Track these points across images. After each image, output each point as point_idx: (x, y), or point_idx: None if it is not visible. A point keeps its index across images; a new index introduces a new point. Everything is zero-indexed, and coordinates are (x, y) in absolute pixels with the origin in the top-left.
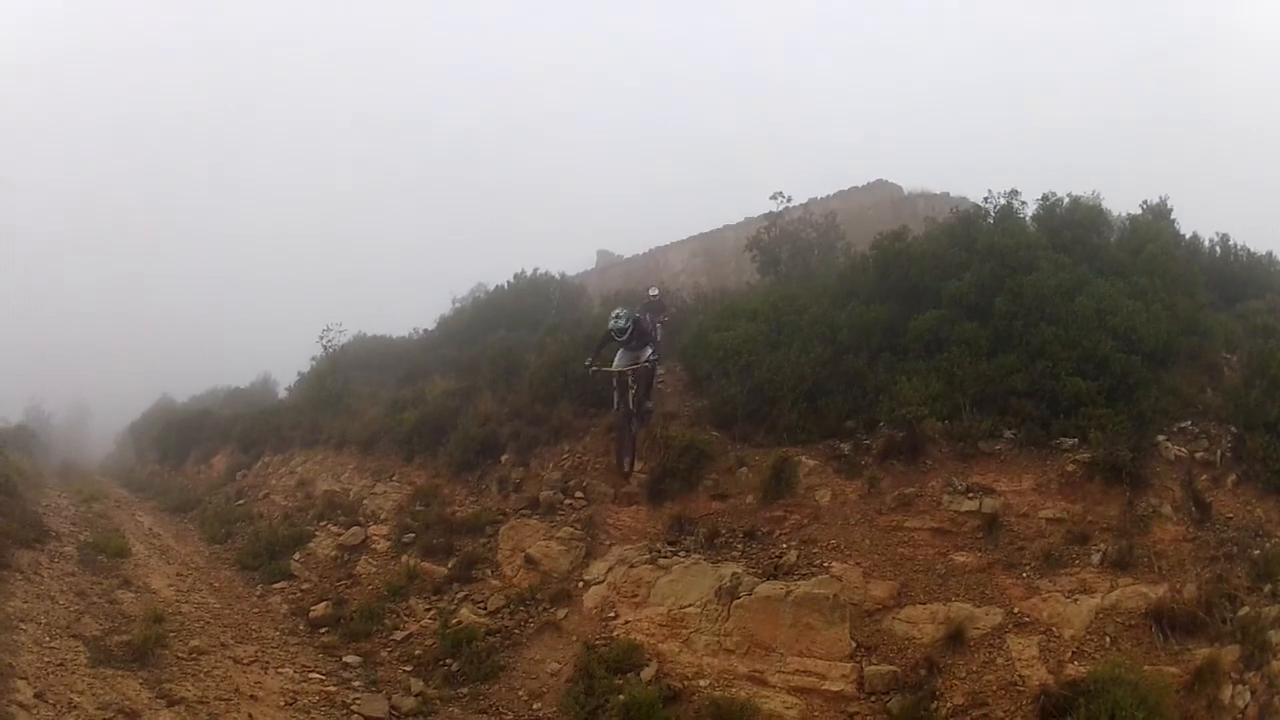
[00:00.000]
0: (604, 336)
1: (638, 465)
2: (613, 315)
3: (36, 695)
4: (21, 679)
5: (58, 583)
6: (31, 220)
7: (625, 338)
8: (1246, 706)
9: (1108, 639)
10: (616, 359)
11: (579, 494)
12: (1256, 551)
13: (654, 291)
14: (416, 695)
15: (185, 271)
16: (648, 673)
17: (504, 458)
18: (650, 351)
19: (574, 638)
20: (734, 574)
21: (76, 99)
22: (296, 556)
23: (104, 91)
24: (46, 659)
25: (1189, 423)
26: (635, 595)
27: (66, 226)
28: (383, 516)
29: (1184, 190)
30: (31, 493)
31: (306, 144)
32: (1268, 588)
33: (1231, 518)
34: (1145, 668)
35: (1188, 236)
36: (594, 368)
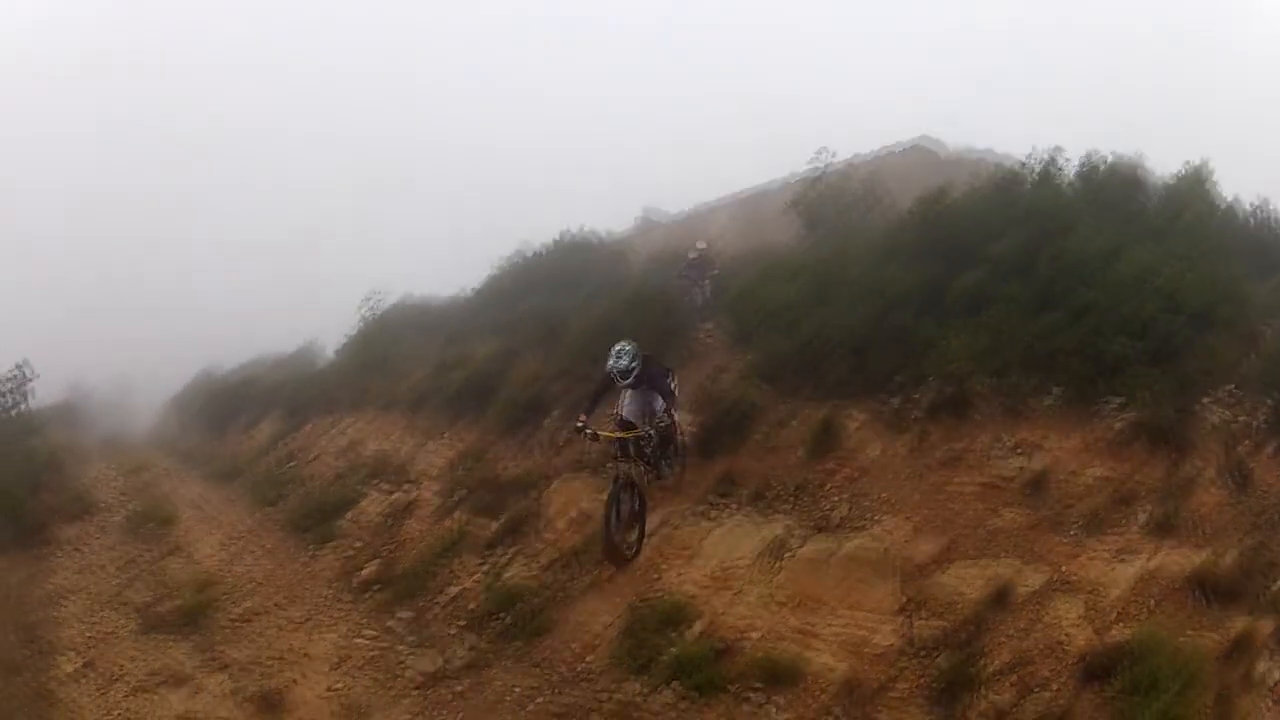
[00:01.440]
0: (603, 380)
1: (686, 422)
2: (614, 353)
3: (84, 666)
4: (69, 651)
5: (105, 554)
6: (65, 180)
7: (630, 380)
8: (1277, 684)
9: (1150, 603)
10: (622, 406)
11: None
12: None
13: (701, 245)
14: (469, 649)
15: (224, 235)
16: (697, 627)
17: (553, 415)
18: (662, 403)
19: (623, 593)
20: (784, 528)
21: (105, 51)
22: (347, 517)
23: (137, 41)
24: (94, 630)
25: (1231, 387)
26: (684, 550)
27: (102, 187)
28: (432, 475)
29: (1226, 156)
30: (76, 467)
31: (339, 93)
32: None
33: (1271, 486)
34: (1186, 634)
35: (1226, 202)
36: (586, 431)
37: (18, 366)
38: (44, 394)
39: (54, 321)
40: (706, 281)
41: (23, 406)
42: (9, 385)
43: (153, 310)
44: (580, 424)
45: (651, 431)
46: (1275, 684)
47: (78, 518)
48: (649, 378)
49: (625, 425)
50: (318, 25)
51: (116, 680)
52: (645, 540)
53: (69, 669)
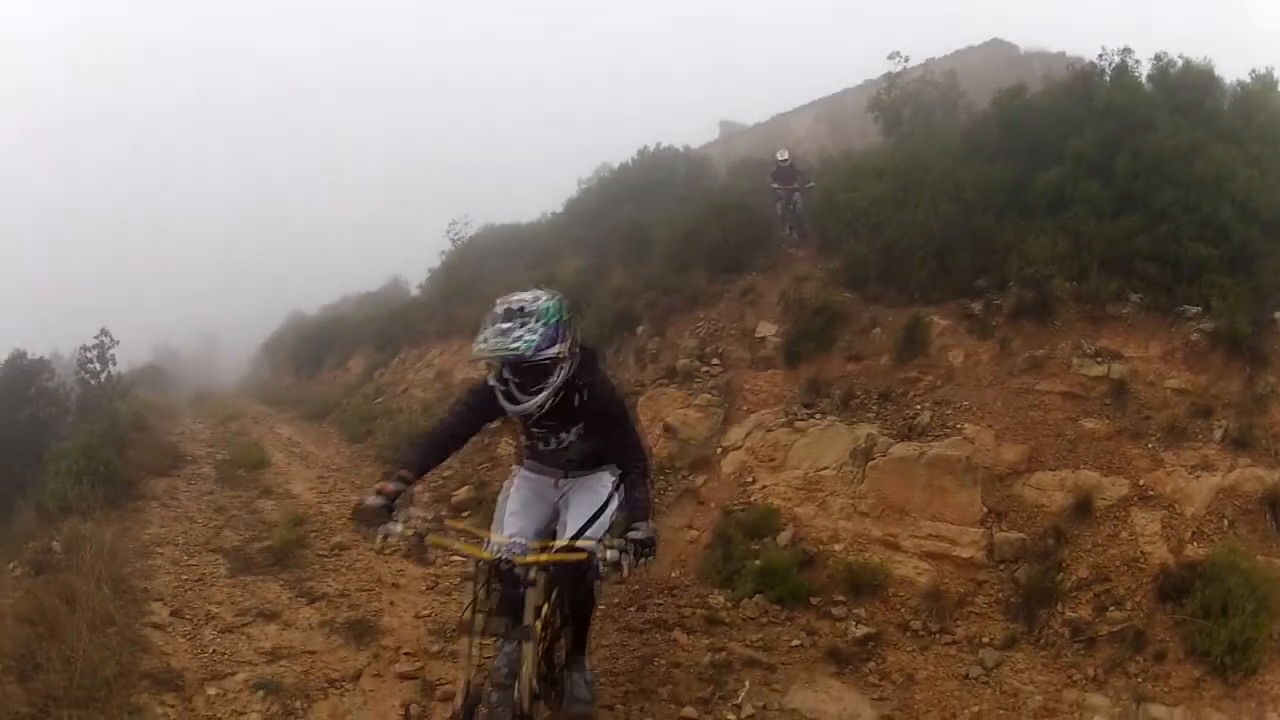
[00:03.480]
0: (466, 398)
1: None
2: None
3: (173, 614)
4: (157, 601)
5: (195, 503)
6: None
7: (542, 395)
8: None
9: (1226, 521)
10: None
11: (715, 360)
12: None
13: (782, 155)
14: None
15: (305, 175)
16: (784, 537)
17: (639, 329)
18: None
19: (712, 504)
20: (869, 435)
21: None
22: None
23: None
24: (184, 577)
25: None
26: (772, 459)
27: (178, 148)
28: None
29: None
30: (165, 425)
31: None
32: None
33: None
34: (1259, 557)
35: None
36: (391, 528)
37: (99, 335)
38: (130, 358)
39: (134, 284)
40: (797, 193)
41: (107, 373)
42: (93, 354)
43: (236, 263)
44: (380, 502)
45: (607, 551)
46: None
47: (167, 472)
48: (592, 400)
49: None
50: None
51: (207, 622)
52: (741, 443)
53: (161, 616)
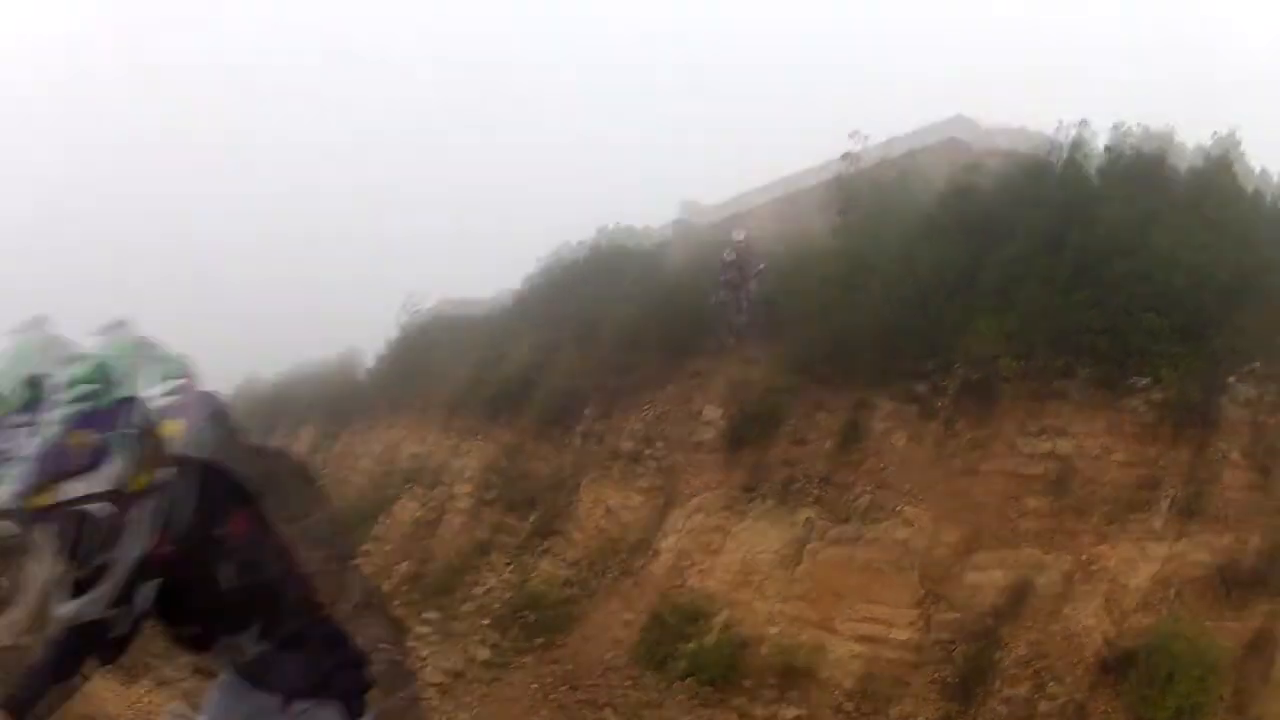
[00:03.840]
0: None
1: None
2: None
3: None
4: None
5: None
6: (103, 190)
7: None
8: None
9: (1172, 591)
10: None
11: (659, 444)
12: None
13: (739, 236)
14: (491, 647)
15: (262, 237)
16: (718, 621)
17: (586, 412)
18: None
19: (649, 588)
20: (807, 520)
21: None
22: (381, 520)
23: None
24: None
25: (1259, 364)
26: (710, 544)
27: (129, 195)
28: (467, 476)
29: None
30: None
31: (368, 100)
32: None
33: None
34: (1206, 623)
35: (1256, 172)
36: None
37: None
38: None
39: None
40: (751, 283)
41: None
42: None
43: (194, 320)
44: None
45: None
46: None
47: None
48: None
49: None
50: (328, 26)
51: (141, 677)
52: (681, 527)
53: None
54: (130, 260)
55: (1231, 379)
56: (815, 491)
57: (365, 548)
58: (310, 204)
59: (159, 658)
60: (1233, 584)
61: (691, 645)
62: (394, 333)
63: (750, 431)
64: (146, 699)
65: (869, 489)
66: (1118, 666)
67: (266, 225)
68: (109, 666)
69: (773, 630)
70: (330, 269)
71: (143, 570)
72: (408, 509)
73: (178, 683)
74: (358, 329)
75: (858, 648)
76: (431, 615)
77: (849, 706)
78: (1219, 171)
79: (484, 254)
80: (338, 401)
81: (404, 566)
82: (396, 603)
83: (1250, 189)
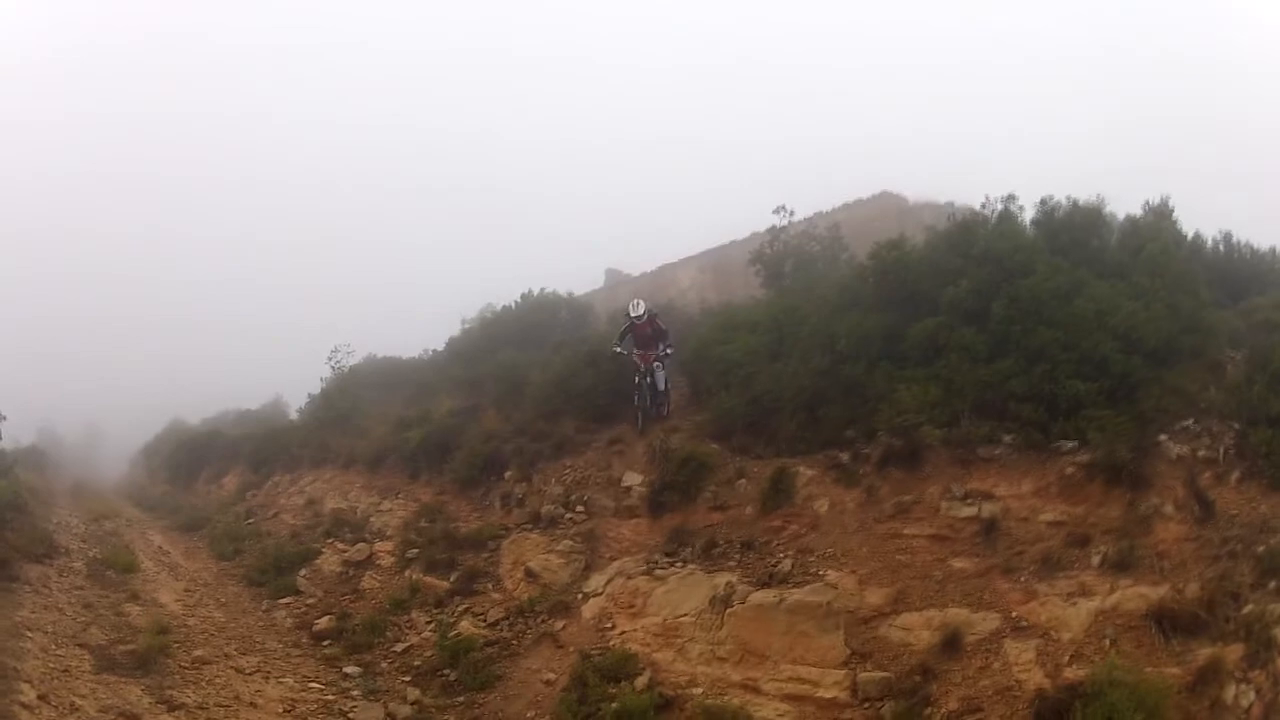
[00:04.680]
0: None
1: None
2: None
3: (40, 697)
4: (26, 682)
5: (66, 595)
6: (36, 224)
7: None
8: (1251, 705)
9: (1107, 641)
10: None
11: (580, 508)
12: (1261, 548)
13: (636, 310)
14: (413, 703)
15: (195, 283)
16: (641, 681)
17: (508, 473)
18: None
19: (571, 648)
20: (728, 583)
21: (73, 97)
22: (303, 573)
23: (106, 89)
24: (51, 665)
25: (1191, 421)
26: (632, 606)
27: (74, 231)
28: (388, 533)
29: (1188, 188)
30: (42, 510)
31: (299, 151)
32: (1272, 584)
33: (1236, 515)
34: (1146, 669)
35: (1190, 235)
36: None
37: None
38: (14, 436)
39: (25, 363)
40: (657, 364)
41: None
42: None
43: (125, 357)
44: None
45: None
46: (1248, 707)
47: (40, 559)
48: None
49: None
50: (286, 81)
51: (72, 712)
52: (602, 589)
53: (29, 697)
54: (59, 295)
55: (1163, 437)
56: (737, 555)
57: (288, 599)
58: (246, 250)
59: (85, 698)
60: (1171, 630)
61: (614, 705)
62: (319, 384)
63: (670, 497)
64: None
65: (791, 553)
66: (1054, 717)
67: (198, 267)
68: None
69: (696, 690)
70: (258, 314)
71: None
72: (329, 562)
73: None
74: (284, 375)
75: (784, 706)
76: (352, 670)
77: None
78: (1150, 238)
79: (413, 312)
80: (263, 448)
81: (326, 620)
82: (319, 655)
83: (1186, 246)
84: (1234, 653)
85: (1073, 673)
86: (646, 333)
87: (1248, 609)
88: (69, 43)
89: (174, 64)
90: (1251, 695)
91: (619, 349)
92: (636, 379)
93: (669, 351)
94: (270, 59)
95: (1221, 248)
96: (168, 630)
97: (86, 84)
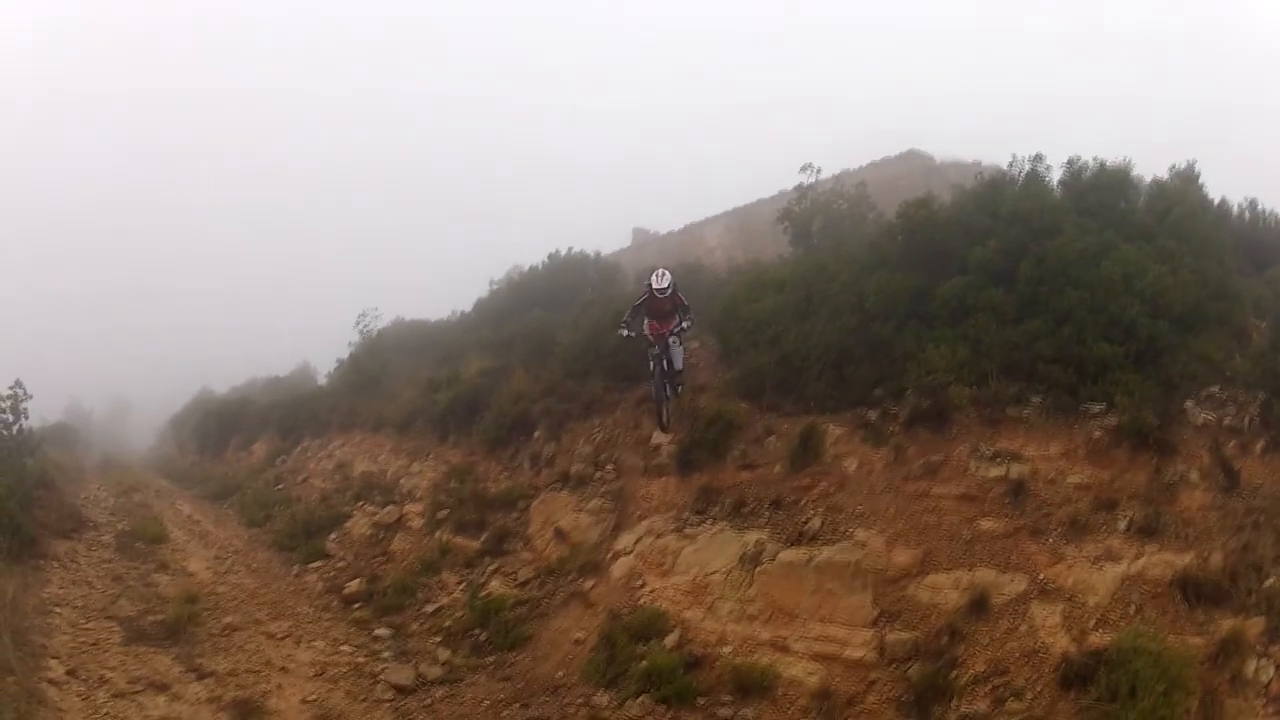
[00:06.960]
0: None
1: (668, 436)
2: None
3: (68, 672)
4: (54, 658)
5: (95, 569)
6: (67, 198)
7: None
8: (1270, 681)
9: (1132, 607)
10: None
11: (609, 467)
12: None
13: (660, 282)
14: (443, 664)
15: (222, 253)
16: (670, 640)
17: (536, 434)
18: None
19: (600, 607)
20: (758, 541)
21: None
22: (333, 537)
23: (130, 69)
24: (80, 639)
25: (1217, 388)
26: (661, 564)
27: (102, 204)
28: (418, 495)
29: (1213, 160)
30: (70, 486)
31: (324, 120)
32: None
33: (1260, 485)
34: (1169, 638)
35: (1216, 202)
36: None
37: (13, 386)
38: (41, 413)
39: (52, 341)
40: (673, 338)
41: (19, 426)
42: (5, 404)
43: (152, 330)
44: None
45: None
46: (1268, 683)
47: (69, 535)
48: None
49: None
50: (312, 51)
51: (101, 685)
52: (631, 548)
53: (57, 672)
54: (86, 271)
55: (1189, 403)
56: (766, 514)
57: (318, 563)
58: (272, 219)
59: (114, 670)
60: (1195, 599)
61: (644, 664)
62: (347, 349)
63: (699, 456)
64: (105, 709)
65: (820, 512)
66: (1079, 682)
67: (224, 237)
68: None
69: (725, 649)
70: (286, 282)
71: None
72: (359, 525)
73: (133, 695)
74: (311, 342)
75: (812, 665)
76: (383, 632)
77: None
78: (1176, 202)
79: (441, 275)
80: (291, 414)
81: (356, 583)
82: (350, 618)
83: (1211, 212)
84: (1255, 626)
85: (1098, 638)
86: (666, 307)
87: (1269, 582)
88: (91, 21)
89: (204, 40)
90: (1271, 670)
91: (627, 331)
92: (651, 364)
93: (686, 325)
94: (296, 29)
95: (1247, 215)
96: (197, 599)
97: (98, 62)
